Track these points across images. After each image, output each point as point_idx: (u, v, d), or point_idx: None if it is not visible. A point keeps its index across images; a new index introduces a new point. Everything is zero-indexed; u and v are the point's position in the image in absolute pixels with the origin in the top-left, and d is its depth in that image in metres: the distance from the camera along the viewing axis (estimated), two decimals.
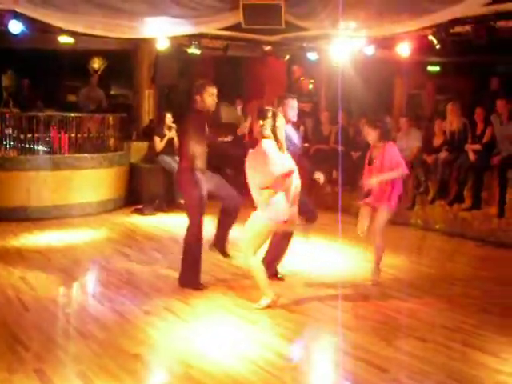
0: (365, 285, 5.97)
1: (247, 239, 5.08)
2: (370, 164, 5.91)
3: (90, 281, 6.33)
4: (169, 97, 12.70)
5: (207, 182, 5.64)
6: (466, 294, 5.83)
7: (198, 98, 5.58)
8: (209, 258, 5.80)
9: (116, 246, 7.42)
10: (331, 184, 9.72)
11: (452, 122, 8.76)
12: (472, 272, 6.70)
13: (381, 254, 5.98)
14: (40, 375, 3.81)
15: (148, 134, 10.78)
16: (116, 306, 5.20)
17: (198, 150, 5.54)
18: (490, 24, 7.47)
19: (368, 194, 5.97)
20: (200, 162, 5.59)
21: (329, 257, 7.02)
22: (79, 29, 7.77)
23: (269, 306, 5.10)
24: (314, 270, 6.41)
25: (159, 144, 10.03)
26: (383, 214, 5.80)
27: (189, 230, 5.65)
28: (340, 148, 9.61)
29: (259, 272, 5.13)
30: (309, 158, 10.01)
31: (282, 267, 6.04)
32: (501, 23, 7.54)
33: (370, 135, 5.76)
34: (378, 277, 6.00)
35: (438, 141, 8.97)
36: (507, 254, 7.58)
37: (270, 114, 4.98)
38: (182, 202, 9.81)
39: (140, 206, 9.75)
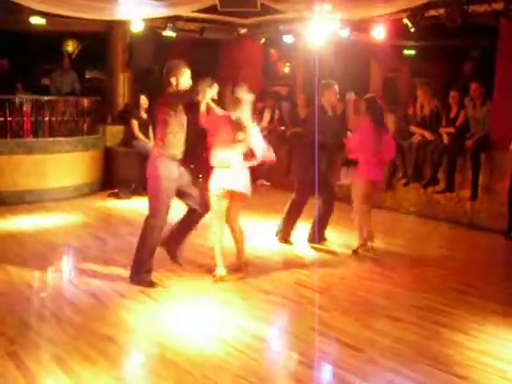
0: (339, 266, 6.04)
1: None
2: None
3: (65, 265, 6.28)
4: (144, 80, 12.58)
5: (179, 177, 5.24)
6: (438, 274, 5.93)
7: (173, 80, 5.12)
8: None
9: (91, 230, 7.38)
10: None
11: (423, 105, 8.80)
12: (444, 253, 6.81)
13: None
14: (13, 357, 3.80)
15: (123, 118, 10.66)
16: (91, 289, 5.18)
17: (174, 137, 5.11)
18: (463, 8, 7.54)
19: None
20: (176, 151, 5.17)
21: (304, 238, 7.07)
22: (50, 9, 7.65)
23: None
24: (289, 251, 6.47)
25: (137, 127, 9.89)
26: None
27: (147, 221, 5.22)
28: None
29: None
30: (285, 141, 10.06)
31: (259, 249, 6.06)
32: (474, 7, 7.62)
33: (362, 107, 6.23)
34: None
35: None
36: (479, 235, 7.71)
37: None
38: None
39: (115, 190, 9.68)
